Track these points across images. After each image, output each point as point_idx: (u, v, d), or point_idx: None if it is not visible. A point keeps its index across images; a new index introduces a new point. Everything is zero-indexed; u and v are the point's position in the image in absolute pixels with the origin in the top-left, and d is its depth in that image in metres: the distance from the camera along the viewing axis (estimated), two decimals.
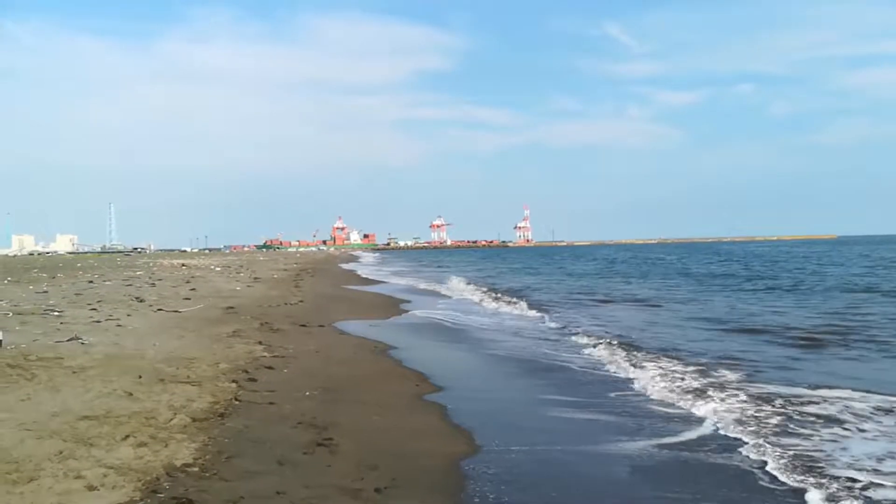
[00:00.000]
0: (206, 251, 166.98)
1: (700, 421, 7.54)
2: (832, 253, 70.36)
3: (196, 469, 5.40)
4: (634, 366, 10.79)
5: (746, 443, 6.68)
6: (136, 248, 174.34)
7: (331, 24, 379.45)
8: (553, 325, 17.15)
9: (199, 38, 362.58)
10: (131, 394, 7.46)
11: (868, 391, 8.72)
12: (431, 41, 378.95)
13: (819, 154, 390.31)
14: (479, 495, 5.35)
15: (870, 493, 5.35)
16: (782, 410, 7.87)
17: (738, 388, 9.00)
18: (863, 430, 7.13)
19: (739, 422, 7.43)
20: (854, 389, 8.82)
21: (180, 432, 6.27)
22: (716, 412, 7.85)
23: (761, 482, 5.67)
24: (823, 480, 5.64)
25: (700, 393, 8.78)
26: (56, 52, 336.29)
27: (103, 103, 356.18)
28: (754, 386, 9.16)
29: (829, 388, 8.96)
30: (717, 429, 7.26)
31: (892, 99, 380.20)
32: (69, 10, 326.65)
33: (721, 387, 9.13)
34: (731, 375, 9.86)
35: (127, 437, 5.99)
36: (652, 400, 8.64)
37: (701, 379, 9.67)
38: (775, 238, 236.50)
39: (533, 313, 20.00)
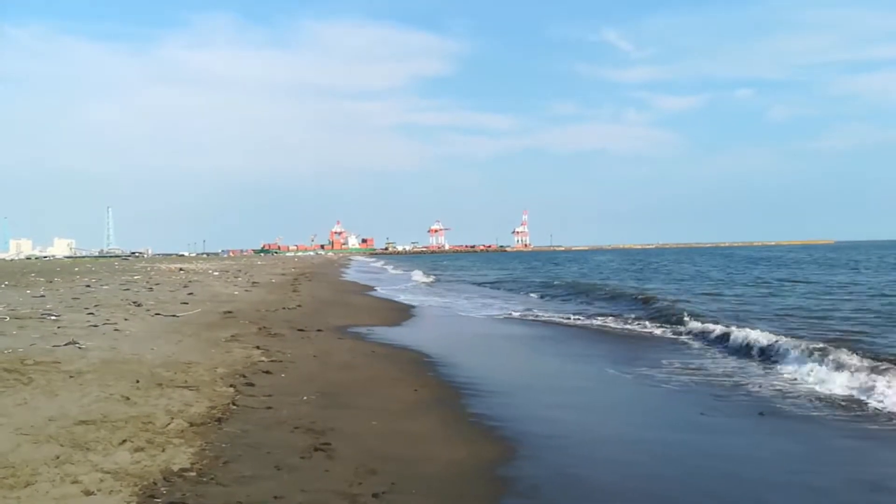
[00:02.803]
0: (204, 256, 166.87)
1: None
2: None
3: (193, 474, 5.37)
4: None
5: None
6: (133, 253, 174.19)
7: (331, 30, 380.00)
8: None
9: (200, 44, 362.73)
10: (128, 398, 7.43)
11: None
12: (431, 47, 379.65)
13: (818, 159, 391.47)
14: (481, 500, 5.33)
15: None
16: None
17: None
18: None
19: None
20: None
21: (177, 437, 6.25)
22: None
23: None
24: None
25: None
26: (56, 55, 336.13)
27: (102, 107, 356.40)
28: None
29: None
30: None
31: (891, 104, 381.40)
32: (69, 15, 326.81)
33: None
34: None
35: (124, 441, 5.96)
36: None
37: None
38: (773, 243, 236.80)
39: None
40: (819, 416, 8.07)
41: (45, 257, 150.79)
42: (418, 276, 49.33)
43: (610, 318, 18.92)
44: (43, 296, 21.17)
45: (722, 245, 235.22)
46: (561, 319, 19.26)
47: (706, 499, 5.55)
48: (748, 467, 6.20)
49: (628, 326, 17.38)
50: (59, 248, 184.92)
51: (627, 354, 12.78)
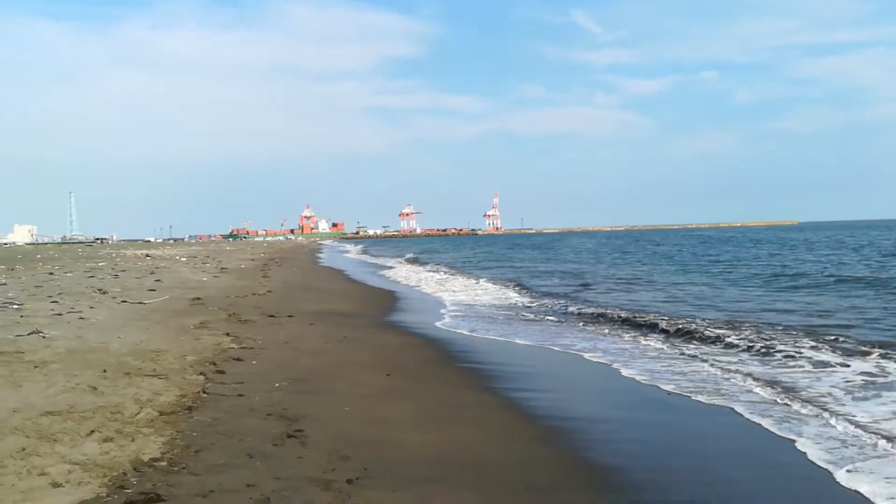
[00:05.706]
0: (171, 241, 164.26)
1: None
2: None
3: (164, 463, 5.32)
4: None
5: None
6: (97, 239, 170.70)
7: (299, 11, 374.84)
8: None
9: (163, 24, 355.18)
10: (95, 388, 7.31)
11: None
12: (400, 28, 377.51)
13: (782, 141, 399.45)
14: (454, 484, 5.38)
15: None
16: None
17: None
18: None
19: None
20: None
21: (147, 426, 6.18)
22: None
23: None
24: None
25: None
26: (12, 37, 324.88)
27: (63, 91, 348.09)
28: None
29: None
30: None
31: (852, 87, 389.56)
32: None
33: None
34: None
35: (92, 432, 5.87)
36: None
37: None
38: (739, 224, 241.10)
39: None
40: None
41: (6, 244, 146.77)
42: (389, 260, 50.89)
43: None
44: (4, 284, 20.65)
45: (690, 227, 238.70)
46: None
47: None
48: None
49: None
50: (20, 235, 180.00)
51: None
